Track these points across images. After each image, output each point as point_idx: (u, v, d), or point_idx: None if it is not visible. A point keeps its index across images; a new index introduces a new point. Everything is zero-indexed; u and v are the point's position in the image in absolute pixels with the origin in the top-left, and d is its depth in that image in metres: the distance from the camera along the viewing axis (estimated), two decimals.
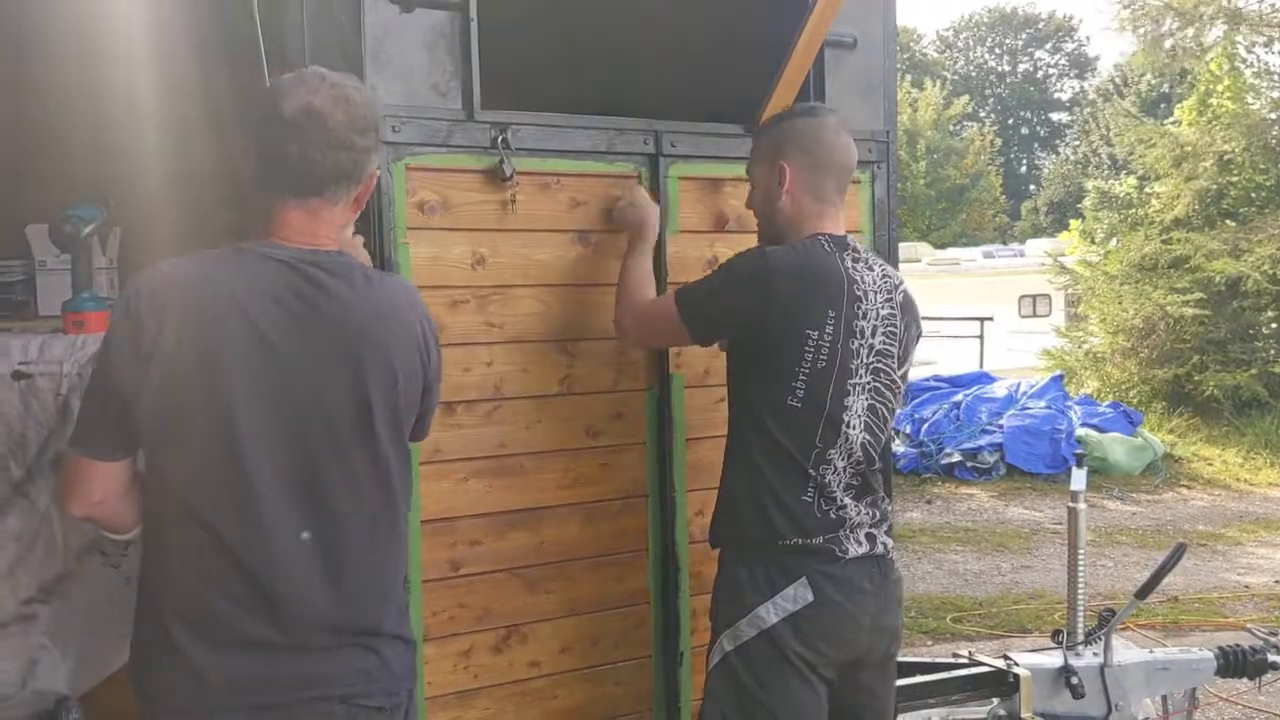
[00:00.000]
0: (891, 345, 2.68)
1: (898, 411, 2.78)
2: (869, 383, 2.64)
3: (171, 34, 3.01)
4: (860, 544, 2.65)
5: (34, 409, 2.57)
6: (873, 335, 2.64)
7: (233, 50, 2.58)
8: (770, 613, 2.58)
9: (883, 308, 2.66)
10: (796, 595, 2.58)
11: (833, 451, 2.60)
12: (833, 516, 2.61)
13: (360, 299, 2.08)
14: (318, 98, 2.03)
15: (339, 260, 2.09)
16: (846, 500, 2.64)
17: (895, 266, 3.13)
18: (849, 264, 2.64)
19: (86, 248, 2.86)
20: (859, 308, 2.61)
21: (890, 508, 2.81)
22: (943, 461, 11.02)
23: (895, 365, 2.69)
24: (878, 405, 2.67)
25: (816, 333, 2.57)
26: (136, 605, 2.12)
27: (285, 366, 2.00)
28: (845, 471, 2.63)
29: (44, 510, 2.59)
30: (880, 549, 2.70)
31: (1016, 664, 3.70)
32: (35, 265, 3.29)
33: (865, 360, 2.63)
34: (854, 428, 2.62)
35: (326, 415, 2.03)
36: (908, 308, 2.74)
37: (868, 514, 2.68)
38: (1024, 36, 53.66)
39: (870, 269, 2.68)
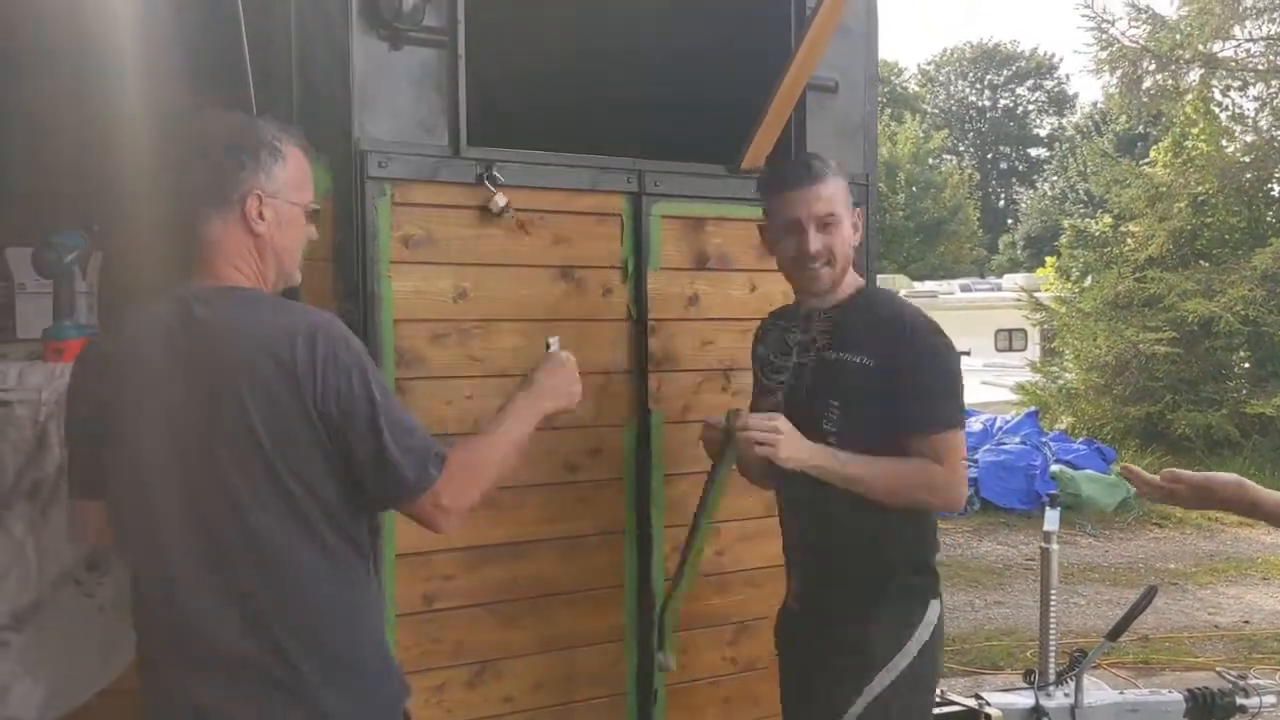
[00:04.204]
0: None
1: None
2: None
3: (162, 59, 3.02)
4: None
5: (11, 436, 2.57)
6: None
7: (223, 87, 2.59)
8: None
9: None
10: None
11: None
12: None
13: (232, 331, 1.99)
14: (193, 122, 2.11)
15: (221, 292, 2.04)
16: None
17: None
18: None
19: (69, 274, 2.86)
20: None
21: None
22: None
23: None
24: None
25: None
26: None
27: (175, 405, 1.99)
28: None
29: (19, 538, 2.59)
30: None
31: (988, 704, 3.73)
32: (15, 288, 3.29)
33: None
34: None
35: (218, 451, 1.96)
36: None
37: None
38: (1005, 73, 54.20)
39: None
